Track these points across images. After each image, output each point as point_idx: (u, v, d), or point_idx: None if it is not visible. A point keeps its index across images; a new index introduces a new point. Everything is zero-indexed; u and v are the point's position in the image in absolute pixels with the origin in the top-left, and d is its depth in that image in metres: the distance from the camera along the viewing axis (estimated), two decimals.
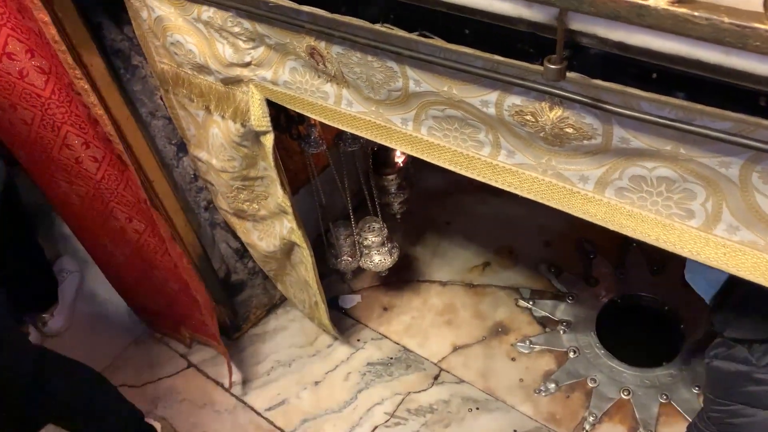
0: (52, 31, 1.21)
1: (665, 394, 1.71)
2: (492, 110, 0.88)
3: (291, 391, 1.90)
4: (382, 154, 1.95)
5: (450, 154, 1.00)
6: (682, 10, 0.56)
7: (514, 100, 0.84)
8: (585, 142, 0.82)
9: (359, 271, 2.04)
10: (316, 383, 1.91)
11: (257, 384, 1.94)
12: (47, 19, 1.19)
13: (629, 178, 0.83)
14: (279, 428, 1.82)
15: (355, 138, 1.67)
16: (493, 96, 0.86)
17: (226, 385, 1.91)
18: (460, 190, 2.36)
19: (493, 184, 0.97)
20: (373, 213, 1.91)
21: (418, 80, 0.93)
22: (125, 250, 1.69)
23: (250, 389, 1.93)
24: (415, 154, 1.05)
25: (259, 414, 1.86)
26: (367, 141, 1.78)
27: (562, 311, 1.96)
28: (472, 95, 0.88)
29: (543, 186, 0.92)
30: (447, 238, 2.24)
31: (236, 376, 1.96)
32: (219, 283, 2.00)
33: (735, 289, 1.05)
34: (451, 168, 1.01)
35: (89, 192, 1.56)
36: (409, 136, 1.03)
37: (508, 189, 0.96)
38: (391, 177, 1.99)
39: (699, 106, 0.66)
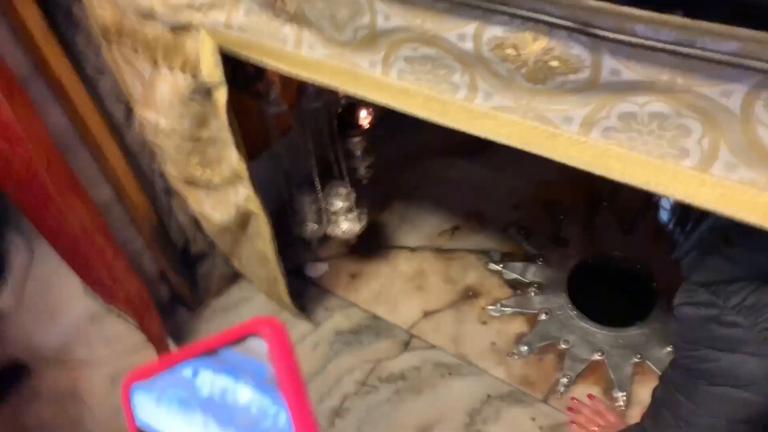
0: None
1: (639, 354, 1.69)
2: (470, 45, 0.80)
3: None
4: (347, 115, 1.86)
5: (422, 98, 0.92)
6: None
7: (494, 32, 0.77)
8: (571, 76, 0.76)
9: (325, 238, 1.96)
10: None
11: None
12: None
13: (618, 116, 0.77)
14: None
15: (318, 93, 1.58)
16: (471, 28, 0.79)
17: None
18: (427, 154, 2.30)
19: (469, 131, 0.90)
20: (340, 177, 1.83)
21: (387, 14, 0.85)
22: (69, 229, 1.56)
23: None
24: (383, 102, 0.96)
25: None
26: (330, 98, 1.70)
27: (532, 273, 1.92)
28: (448, 28, 0.81)
29: (523, 130, 0.85)
30: (415, 203, 2.18)
31: None
32: (178, 254, 1.90)
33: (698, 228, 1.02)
34: (423, 115, 0.93)
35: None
36: (378, 81, 0.95)
37: (485, 135, 0.89)
38: (356, 139, 1.90)
39: (703, 24, 0.60)
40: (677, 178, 0.76)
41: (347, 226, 1.84)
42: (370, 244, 2.06)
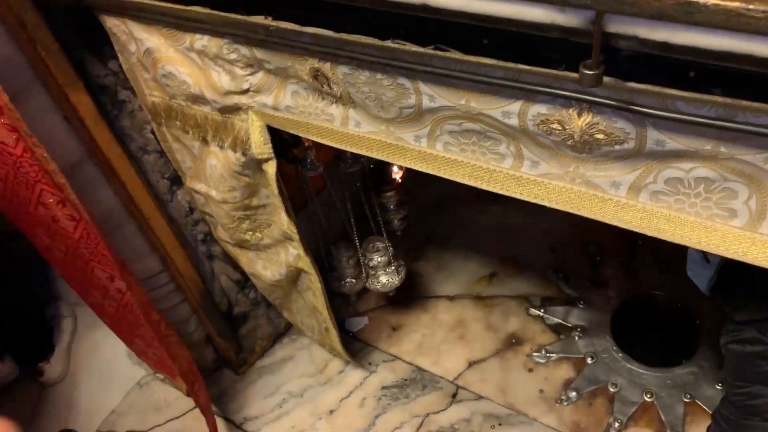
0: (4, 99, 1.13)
1: (689, 393, 1.68)
2: (514, 121, 0.84)
3: (306, 422, 1.84)
4: (379, 171, 1.91)
5: (469, 169, 0.96)
6: (734, 4, 0.53)
7: (538, 109, 0.81)
8: (617, 147, 0.79)
9: (363, 292, 1.99)
10: (331, 412, 1.85)
11: (270, 418, 1.88)
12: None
13: (665, 181, 0.80)
14: None
15: (356, 158, 1.63)
16: (515, 106, 0.83)
17: None
18: (459, 201, 2.33)
19: (518, 196, 0.93)
20: (377, 232, 1.87)
21: (432, 95, 0.89)
22: (113, 303, 1.61)
23: (264, 424, 1.86)
24: (431, 172, 1.01)
25: None
26: (367, 159, 1.75)
27: (575, 317, 1.93)
28: (493, 107, 0.85)
29: (572, 195, 0.88)
30: (450, 252, 2.20)
31: (249, 411, 1.89)
32: (221, 316, 1.94)
33: (740, 274, 1.05)
34: (472, 183, 0.97)
35: (69, 249, 1.48)
36: (424, 154, 1.00)
37: (534, 201, 0.92)
38: (389, 194, 1.95)
39: (743, 102, 0.63)
40: (727, 238, 0.79)
41: (386, 279, 1.86)
42: (409, 295, 2.08)
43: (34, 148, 1.20)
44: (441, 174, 1.00)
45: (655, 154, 0.78)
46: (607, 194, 0.86)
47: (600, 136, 0.79)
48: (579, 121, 0.79)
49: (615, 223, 0.87)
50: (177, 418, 1.93)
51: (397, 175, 1.95)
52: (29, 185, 1.33)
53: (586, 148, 0.81)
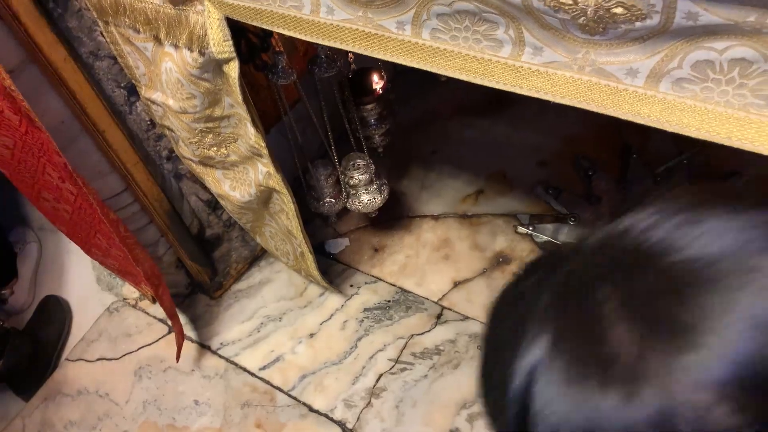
0: None
1: None
2: None
3: (285, 346, 1.77)
4: (359, 81, 1.76)
5: (460, 59, 0.83)
6: None
7: None
8: (637, 24, 0.66)
9: (344, 212, 1.88)
10: (312, 335, 1.78)
11: (248, 342, 1.80)
12: None
13: (691, 66, 0.68)
14: (277, 387, 1.69)
15: (331, 62, 1.47)
16: None
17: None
18: (443, 115, 2.20)
19: (518, 91, 0.81)
20: (357, 148, 1.74)
21: None
22: (67, 207, 1.48)
23: (241, 349, 1.79)
24: (416, 65, 0.87)
25: (253, 374, 1.73)
26: (345, 66, 1.60)
27: (565, 234, 1.84)
28: None
29: (581, 87, 0.76)
30: (435, 169, 2.09)
31: (225, 336, 1.82)
32: (193, 239, 1.82)
33: None
34: (463, 77, 0.84)
35: (17, 143, 1.34)
36: (408, 43, 0.86)
37: (536, 95, 0.79)
38: (370, 106, 1.80)
39: None
40: (764, 131, 0.68)
41: (368, 198, 1.75)
42: (391, 215, 1.98)
43: None
44: (428, 67, 0.87)
45: (684, 31, 0.65)
46: (622, 84, 0.73)
47: (619, 10, 0.65)
48: None
49: (630, 118, 0.75)
50: (149, 345, 1.85)
51: (377, 85, 1.80)
52: None
53: (599, 27, 0.68)
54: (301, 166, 1.73)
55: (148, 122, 1.53)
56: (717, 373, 0.36)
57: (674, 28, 0.65)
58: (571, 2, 0.67)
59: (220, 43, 1.06)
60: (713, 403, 0.36)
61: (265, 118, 1.73)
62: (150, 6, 1.09)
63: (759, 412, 0.36)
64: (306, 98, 1.63)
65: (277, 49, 1.45)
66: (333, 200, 1.76)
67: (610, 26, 0.68)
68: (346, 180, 1.72)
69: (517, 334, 0.44)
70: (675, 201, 0.42)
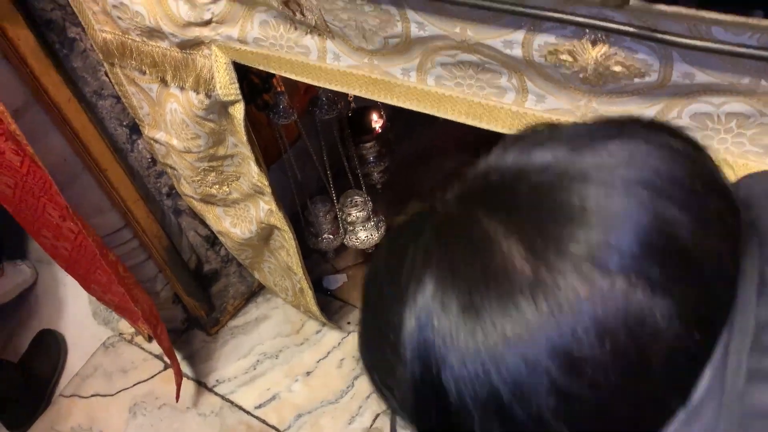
0: None
1: None
2: (518, 51, 0.73)
3: (281, 384, 1.76)
4: (358, 120, 1.79)
5: (465, 105, 0.85)
6: None
7: (546, 39, 0.69)
8: (636, 80, 0.68)
9: (341, 249, 1.89)
10: (308, 373, 1.77)
11: (243, 380, 1.79)
12: None
13: (690, 116, 0.70)
14: (272, 426, 1.68)
15: (332, 104, 1.50)
16: (518, 35, 0.71)
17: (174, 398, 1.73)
18: (441, 153, 2.22)
19: None
20: (355, 185, 1.76)
21: (421, 23, 0.77)
22: (66, 245, 1.49)
23: (237, 387, 1.78)
24: (422, 110, 0.89)
25: (248, 413, 1.71)
26: (345, 106, 1.63)
27: None
28: (492, 36, 0.73)
29: None
30: None
31: (221, 373, 1.80)
32: (190, 275, 1.82)
33: None
34: (469, 122, 0.86)
35: (18, 184, 1.35)
36: (414, 89, 0.88)
37: None
38: (369, 144, 1.82)
39: None
40: None
41: (365, 235, 1.76)
42: None
43: None
44: (434, 112, 0.89)
45: (682, 88, 0.67)
46: None
47: (617, 68, 0.68)
48: (593, 52, 0.67)
49: None
50: (145, 381, 1.83)
51: (376, 124, 1.82)
52: None
53: (600, 80, 0.71)
54: (300, 203, 1.75)
55: (149, 159, 1.55)
56: (616, 249, 0.33)
57: (672, 84, 0.67)
58: (571, 59, 0.70)
59: (227, 86, 1.08)
60: (628, 289, 0.32)
61: (266, 155, 1.74)
62: (157, 49, 1.12)
63: (678, 284, 0.33)
64: (306, 136, 1.65)
65: (279, 89, 1.47)
66: (331, 236, 1.78)
67: (611, 81, 0.70)
68: (343, 217, 1.73)
69: (398, 284, 0.39)
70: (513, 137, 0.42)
